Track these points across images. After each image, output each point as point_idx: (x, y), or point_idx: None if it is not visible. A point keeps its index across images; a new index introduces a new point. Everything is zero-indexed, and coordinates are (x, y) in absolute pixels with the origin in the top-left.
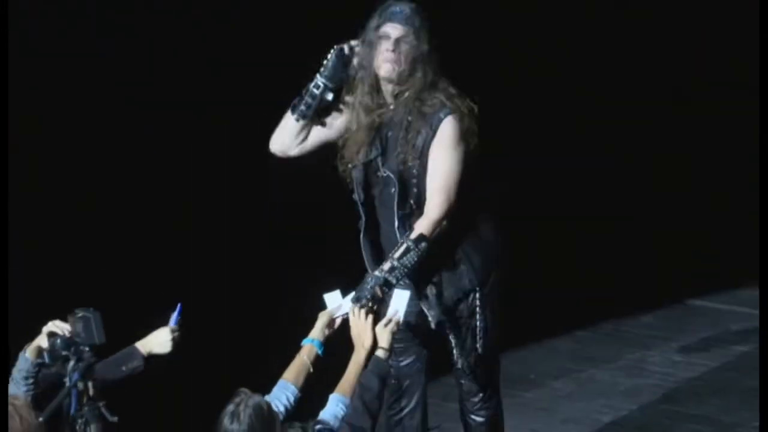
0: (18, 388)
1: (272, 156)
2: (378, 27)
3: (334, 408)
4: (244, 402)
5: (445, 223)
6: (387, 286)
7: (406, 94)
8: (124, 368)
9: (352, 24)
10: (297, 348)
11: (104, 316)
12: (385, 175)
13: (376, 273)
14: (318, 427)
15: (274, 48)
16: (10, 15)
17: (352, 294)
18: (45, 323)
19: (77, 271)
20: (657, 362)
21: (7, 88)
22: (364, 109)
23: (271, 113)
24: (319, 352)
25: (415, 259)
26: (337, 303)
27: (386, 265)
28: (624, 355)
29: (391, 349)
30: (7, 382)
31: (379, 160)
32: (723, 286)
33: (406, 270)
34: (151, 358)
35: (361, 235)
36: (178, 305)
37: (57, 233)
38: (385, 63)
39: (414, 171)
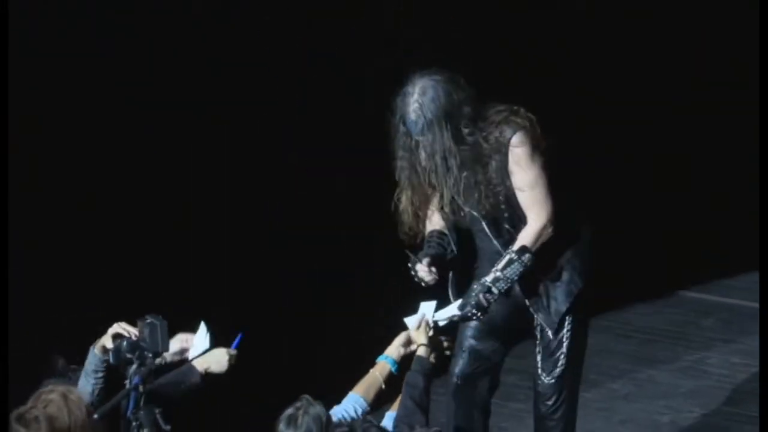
0: (87, 381)
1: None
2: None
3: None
4: (304, 408)
5: (549, 231)
6: (491, 295)
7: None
8: (183, 386)
9: (351, 24)
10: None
11: (104, 315)
12: (470, 213)
13: (481, 282)
14: (365, 425)
15: (274, 48)
16: (10, 15)
17: (444, 311)
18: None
19: (77, 271)
20: (716, 364)
21: (7, 88)
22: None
23: (271, 113)
24: (393, 370)
25: (520, 270)
26: (430, 311)
27: (490, 277)
28: (682, 356)
29: (431, 345)
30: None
31: (459, 200)
32: None
33: (509, 282)
34: (207, 376)
35: (451, 273)
36: (240, 334)
37: (57, 233)
38: None
39: (501, 198)
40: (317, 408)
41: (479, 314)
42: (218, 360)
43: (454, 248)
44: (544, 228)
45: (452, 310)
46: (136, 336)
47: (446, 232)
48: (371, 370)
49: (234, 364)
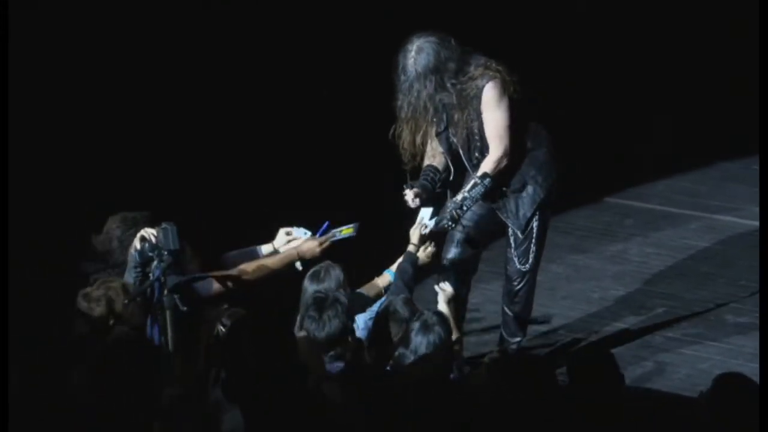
0: (130, 274)
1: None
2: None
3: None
4: (326, 269)
5: (505, 161)
6: (461, 210)
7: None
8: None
9: (351, 24)
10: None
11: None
12: (454, 141)
13: (453, 201)
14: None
15: (274, 48)
16: (9, 14)
17: (435, 217)
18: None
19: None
20: (634, 254)
21: (7, 88)
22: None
23: (271, 113)
24: (393, 280)
25: (482, 191)
26: (427, 215)
27: (459, 196)
28: (609, 248)
29: (419, 244)
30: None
31: (448, 132)
32: (685, 194)
33: (474, 200)
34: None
35: (448, 190)
36: (326, 222)
37: (57, 233)
38: None
39: (475, 130)
40: (337, 270)
41: (452, 224)
42: (311, 248)
43: (441, 180)
44: (501, 158)
45: (426, 217)
46: (155, 238)
47: (440, 168)
48: (376, 278)
49: (325, 248)
